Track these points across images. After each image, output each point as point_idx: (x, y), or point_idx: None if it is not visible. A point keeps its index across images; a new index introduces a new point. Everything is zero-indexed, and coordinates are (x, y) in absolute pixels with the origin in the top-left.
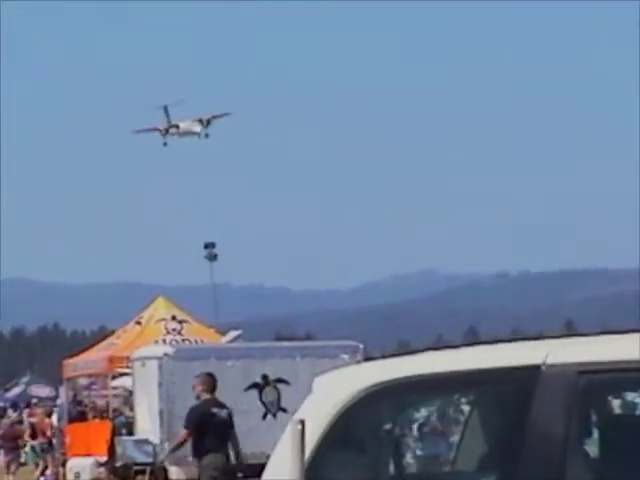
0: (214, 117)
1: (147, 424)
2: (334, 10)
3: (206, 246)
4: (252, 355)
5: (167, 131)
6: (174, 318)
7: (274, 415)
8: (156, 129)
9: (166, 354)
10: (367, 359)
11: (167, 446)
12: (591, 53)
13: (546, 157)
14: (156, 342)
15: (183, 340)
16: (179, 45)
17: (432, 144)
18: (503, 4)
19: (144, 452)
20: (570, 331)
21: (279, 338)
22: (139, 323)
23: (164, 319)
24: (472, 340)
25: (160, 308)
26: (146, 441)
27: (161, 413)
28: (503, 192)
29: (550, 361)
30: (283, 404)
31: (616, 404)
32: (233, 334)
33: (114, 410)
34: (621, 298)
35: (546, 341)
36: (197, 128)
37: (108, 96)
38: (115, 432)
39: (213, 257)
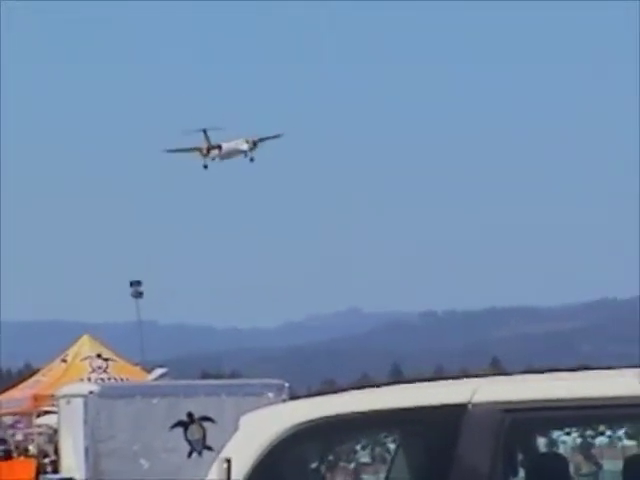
0: (262, 139)
1: (72, 462)
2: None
3: (132, 284)
4: (177, 393)
5: (208, 152)
6: (99, 356)
7: (199, 453)
8: (196, 149)
9: (91, 392)
10: (292, 398)
11: None
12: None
13: (473, 193)
14: (81, 380)
15: (109, 378)
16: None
17: (349, 181)
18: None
19: None
20: (496, 369)
21: (205, 376)
22: (64, 361)
23: (89, 357)
24: (397, 379)
25: (85, 346)
26: (71, 479)
27: (86, 451)
28: (428, 229)
29: (476, 400)
30: (209, 442)
31: (542, 443)
32: (159, 372)
33: (39, 448)
34: (547, 336)
35: (472, 379)
36: (244, 146)
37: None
38: (40, 470)
39: (139, 295)
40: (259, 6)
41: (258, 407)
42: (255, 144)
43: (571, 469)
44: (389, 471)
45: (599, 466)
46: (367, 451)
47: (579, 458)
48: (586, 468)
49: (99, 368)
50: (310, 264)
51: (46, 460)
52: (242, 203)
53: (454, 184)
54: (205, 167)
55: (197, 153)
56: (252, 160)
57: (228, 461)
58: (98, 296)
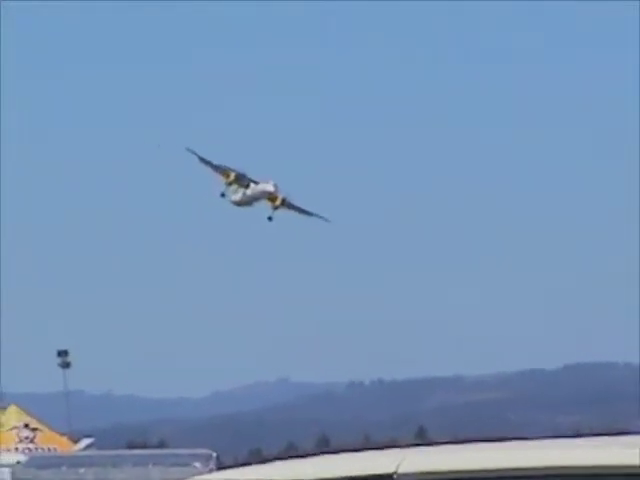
0: (291, 205)
1: None
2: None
3: (59, 354)
4: (104, 463)
5: (236, 180)
6: (27, 426)
7: None
8: (226, 172)
9: (19, 462)
10: (220, 467)
11: None
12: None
13: (403, 268)
14: (9, 450)
15: (36, 448)
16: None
17: (273, 251)
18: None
19: None
20: (422, 440)
21: (131, 446)
22: None
23: (17, 427)
24: (324, 449)
25: (13, 416)
26: None
27: None
28: (355, 299)
29: (402, 470)
30: None
31: None
32: (86, 442)
33: None
34: (473, 406)
35: (398, 450)
36: (271, 188)
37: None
38: None
39: (66, 365)
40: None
41: (185, 477)
42: (283, 202)
43: None
44: None
45: None
46: None
47: None
48: None
49: (26, 438)
50: (239, 333)
51: None
52: (165, 272)
53: (379, 254)
54: (222, 195)
55: (222, 178)
56: (270, 219)
57: None
58: (25, 366)
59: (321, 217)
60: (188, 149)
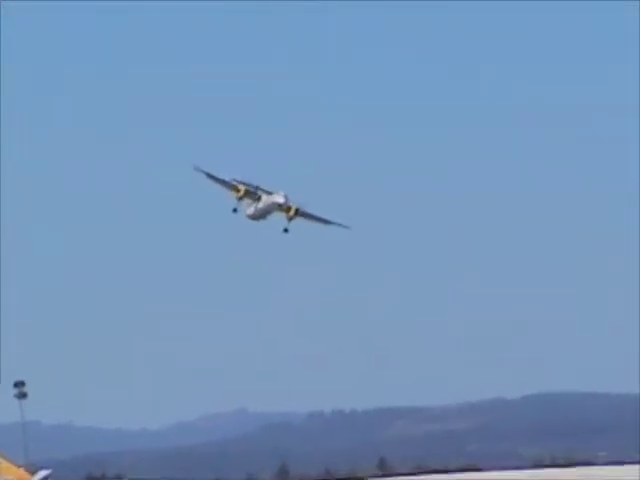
0: (306, 214)
1: None
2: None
3: (16, 384)
4: None
5: (246, 194)
6: None
7: None
8: (235, 187)
9: None
10: None
11: None
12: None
13: (352, 295)
14: None
15: None
16: None
17: (234, 281)
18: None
19: None
20: (383, 470)
21: (90, 478)
22: None
23: None
24: (284, 479)
25: None
26: None
27: None
28: (312, 329)
29: None
30: None
31: None
32: (42, 474)
33: None
34: (435, 436)
35: None
36: (281, 199)
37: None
38: None
39: (23, 395)
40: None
41: None
42: (297, 212)
43: None
44: None
45: None
46: None
47: None
48: None
49: None
50: (197, 365)
51: None
52: (126, 302)
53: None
54: (234, 210)
55: (232, 193)
56: (286, 231)
57: None
58: None
59: (340, 224)
60: (196, 167)
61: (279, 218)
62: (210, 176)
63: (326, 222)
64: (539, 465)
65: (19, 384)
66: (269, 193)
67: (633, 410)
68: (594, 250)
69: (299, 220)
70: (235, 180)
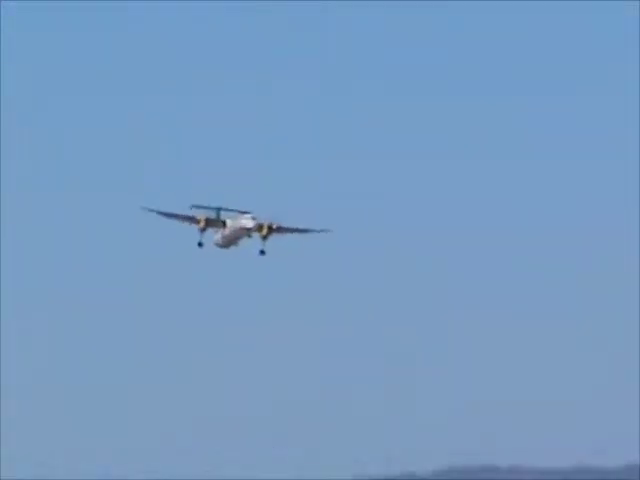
0: (281, 228)
1: None
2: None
3: None
4: None
5: (208, 224)
6: None
7: None
8: (193, 219)
9: None
10: None
11: None
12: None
13: (319, 343)
14: None
15: None
16: None
17: (184, 324)
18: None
19: None
20: None
21: None
22: None
23: None
24: None
25: None
26: None
27: None
28: (282, 387)
29: None
30: None
31: None
32: None
33: None
34: None
35: None
36: (250, 223)
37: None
38: None
39: None
40: None
41: None
42: (270, 230)
43: None
44: None
45: None
46: None
47: None
48: None
49: None
50: (159, 428)
51: None
52: (64, 344)
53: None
54: (200, 245)
55: (193, 226)
56: (263, 253)
57: None
58: None
59: (320, 231)
60: (143, 207)
61: (253, 239)
62: (163, 214)
63: (305, 231)
64: None
65: None
66: (234, 214)
67: None
68: None
69: (275, 236)
70: (194, 206)
